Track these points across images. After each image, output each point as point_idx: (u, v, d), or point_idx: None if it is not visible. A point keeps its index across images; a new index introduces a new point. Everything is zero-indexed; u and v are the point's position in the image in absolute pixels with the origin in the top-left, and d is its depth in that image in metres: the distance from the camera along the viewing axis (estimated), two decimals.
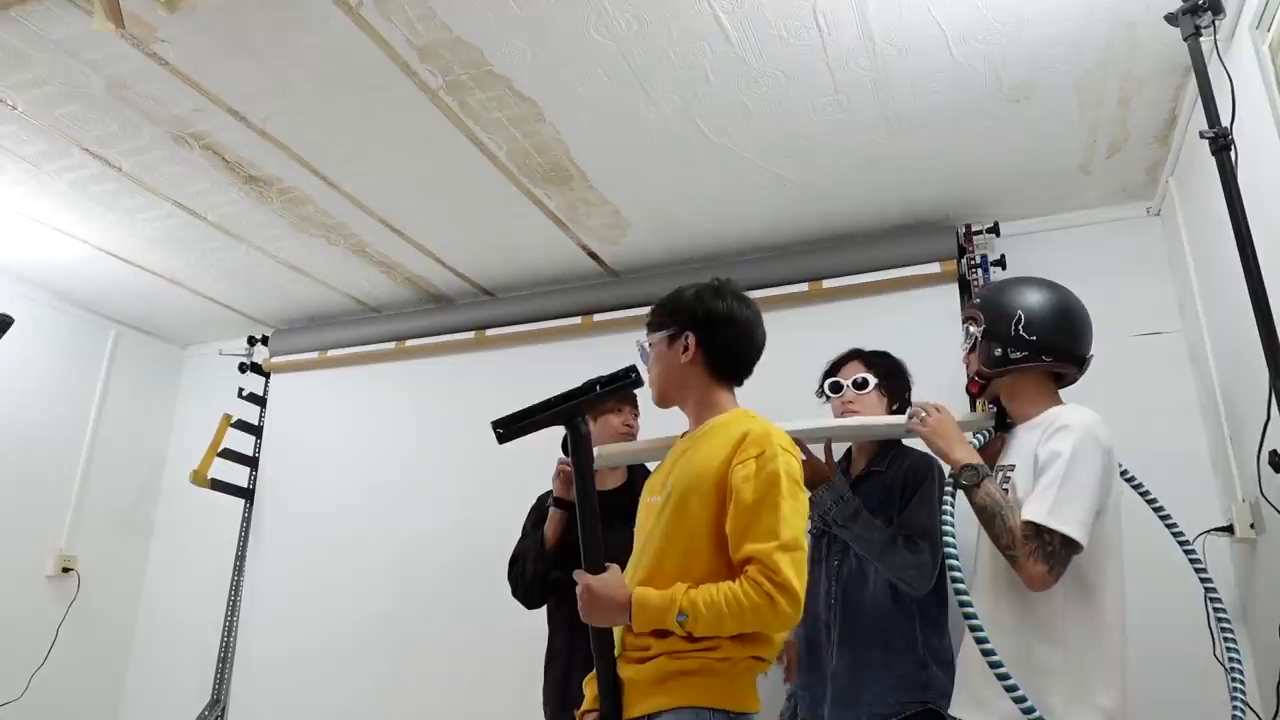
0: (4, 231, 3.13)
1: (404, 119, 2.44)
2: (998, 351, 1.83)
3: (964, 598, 1.61)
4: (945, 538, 1.69)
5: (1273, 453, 1.78)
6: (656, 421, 2.08)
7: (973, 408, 2.05)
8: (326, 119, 2.47)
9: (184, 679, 3.61)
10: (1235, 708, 1.78)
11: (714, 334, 1.73)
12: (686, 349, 1.72)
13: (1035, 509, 1.62)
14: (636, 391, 2.32)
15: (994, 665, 1.54)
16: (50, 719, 3.45)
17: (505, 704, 3.05)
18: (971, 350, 1.89)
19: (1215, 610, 1.92)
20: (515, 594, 2.42)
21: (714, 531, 1.58)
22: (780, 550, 1.49)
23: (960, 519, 1.73)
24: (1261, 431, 1.84)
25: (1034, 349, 1.80)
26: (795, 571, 1.49)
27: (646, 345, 1.79)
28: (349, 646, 3.38)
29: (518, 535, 3.16)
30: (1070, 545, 1.59)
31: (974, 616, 1.59)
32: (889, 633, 2.04)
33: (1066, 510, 1.60)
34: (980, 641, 1.56)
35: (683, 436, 1.80)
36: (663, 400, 1.79)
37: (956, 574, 1.64)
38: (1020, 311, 1.81)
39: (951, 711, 1.80)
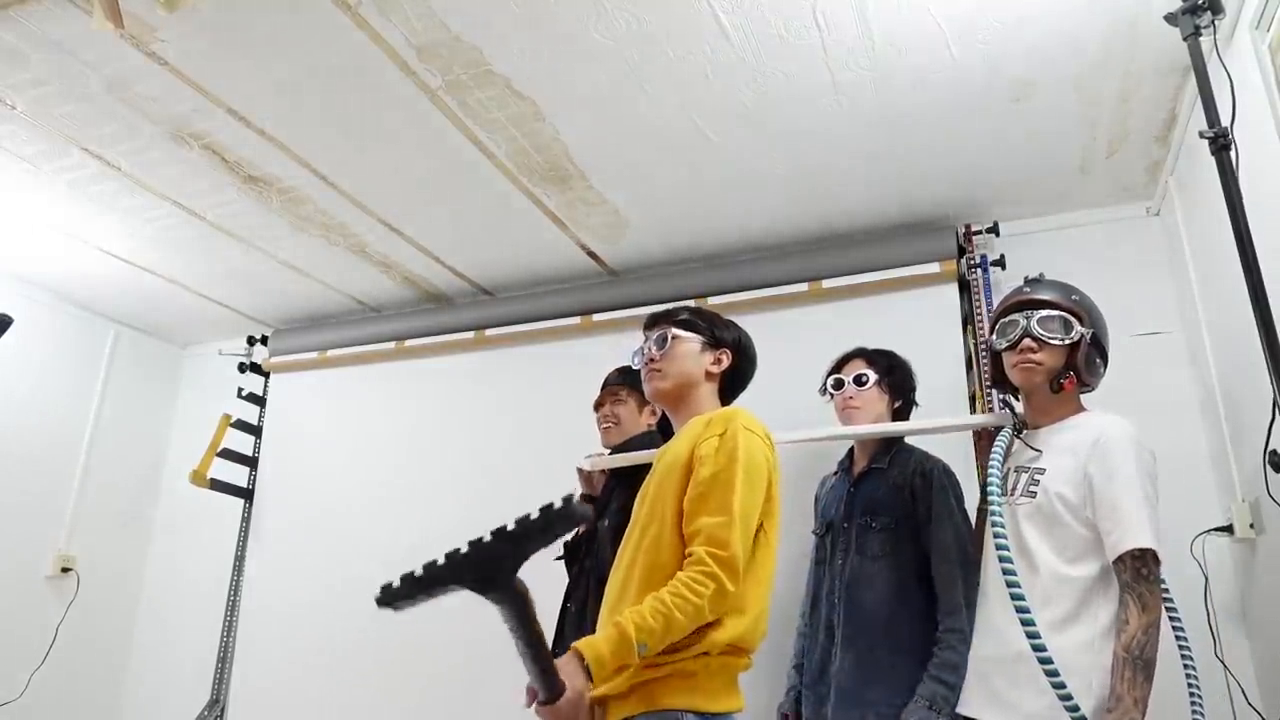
0: (4, 231, 3.13)
1: (404, 119, 2.44)
2: (1098, 360, 1.87)
3: (1017, 591, 1.61)
4: (998, 540, 1.68)
5: (1273, 452, 1.78)
6: None
7: (1009, 406, 2.01)
8: (326, 119, 2.46)
9: (184, 679, 3.61)
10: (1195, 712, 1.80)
11: (739, 361, 1.87)
12: (719, 361, 1.84)
13: (1144, 536, 1.62)
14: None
15: (1047, 668, 1.54)
16: (50, 719, 3.45)
17: (505, 704, 3.04)
18: (1066, 345, 1.83)
19: (1173, 625, 1.92)
20: None
21: (679, 511, 1.62)
22: (732, 525, 1.52)
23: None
24: (1268, 432, 1.84)
25: (1106, 365, 1.89)
26: (743, 548, 1.53)
27: (670, 335, 1.82)
28: (348, 646, 3.37)
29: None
30: (1158, 563, 1.64)
31: (1028, 613, 1.59)
32: (894, 633, 2.03)
33: (1156, 532, 1.64)
34: (1032, 637, 1.56)
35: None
36: (674, 392, 1.81)
37: (1008, 566, 1.64)
38: (1107, 329, 1.89)
39: (965, 711, 1.79)
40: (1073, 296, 1.87)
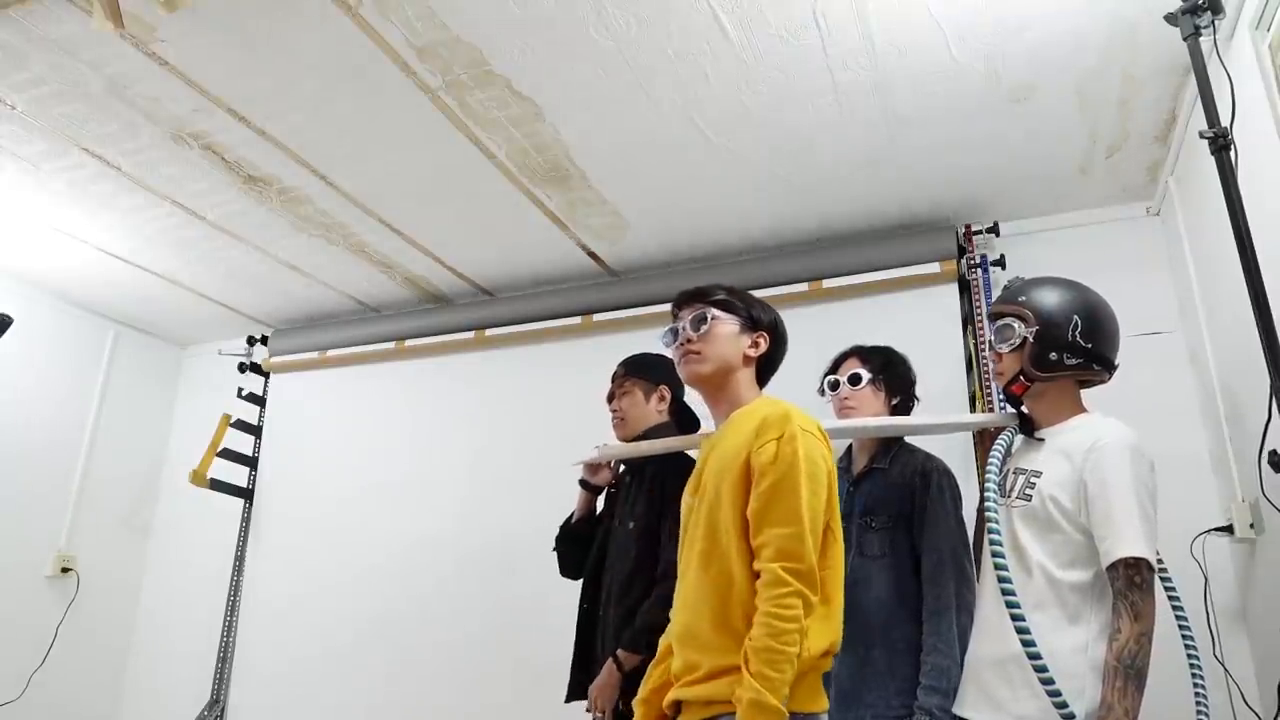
0: (3, 231, 3.13)
1: (404, 119, 2.44)
2: (1052, 355, 1.79)
3: (1011, 598, 1.61)
4: (993, 542, 1.68)
5: (1272, 452, 1.77)
6: None
7: (1015, 406, 1.96)
8: (326, 119, 2.46)
9: (184, 679, 3.61)
10: (1200, 712, 1.80)
11: (774, 346, 1.82)
12: (756, 344, 1.78)
13: (1136, 545, 1.60)
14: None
15: (1039, 670, 1.54)
16: (50, 719, 3.45)
17: (505, 702, 3.05)
18: (1016, 349, 1.81)
19: (1180, 625, 1.91)
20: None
21: (743, 521, 1.57)
22: (803, 536, 1.50)
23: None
24: (1263, 432, 1.84)
25: (1088, 356, 1.80)
26: (816, 555, 1.51)
27: (709, 315, 1.76)
28: (348, 646, 3.38)
29: (516, 534, 3.15)
30: (1152, 571, 1.62)
31: (1021, 619, 1.58)
32: (893, 634, 2.03)
33: (1150, 541, 1.62)
34: (1027, 645, 1.56)
35: (706, 438, 1.82)
36: (713, 376, 1.75)
37: (1004, 573, 1.63)
38: (1077, 316, 1.80)
39: (959, 711, 1.79)
40: (1020, 298, 1.85)
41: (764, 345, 1.79)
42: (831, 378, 2.33)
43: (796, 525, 1.50)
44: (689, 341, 1.76)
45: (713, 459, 1.68)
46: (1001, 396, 2.05)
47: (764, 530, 1.52)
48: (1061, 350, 1.79)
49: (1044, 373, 1.80)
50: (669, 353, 1.84)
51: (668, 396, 2.35)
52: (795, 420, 1.60)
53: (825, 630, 1.53)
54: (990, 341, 1.87)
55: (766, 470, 1.55)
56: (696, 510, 1.67)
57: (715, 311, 1.76)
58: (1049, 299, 1.83)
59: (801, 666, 1.47)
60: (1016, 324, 1.81)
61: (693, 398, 2.29)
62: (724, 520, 1.59)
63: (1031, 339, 1.79)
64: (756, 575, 1.53)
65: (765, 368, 1.82)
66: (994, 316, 1.89)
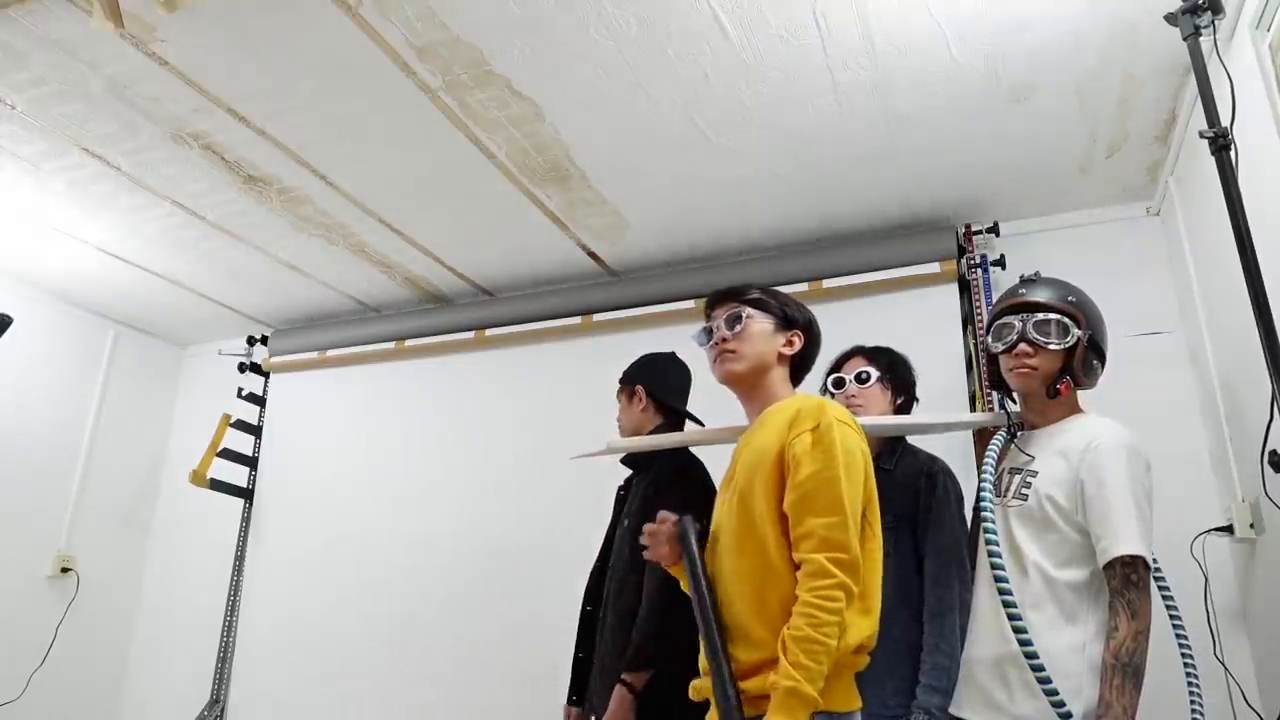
0: (3, 231, 3.13)
1: (404, 119, 2.44)
2: (1095, 362, 1.82)
3: (1008, 598, 1.61)
4: (989, 542, 1.67)
5: (1273, 452, 1.77)
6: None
7: (1046, 397, 1.92)
8: (326, 119, 2.46)
9: (184, 679, 3.61)
10: (1195, 713, 1.80)
11: (808, 344, 1.81)
12: (791, 343, 1.77)
13: (1133, 544, 1.59)
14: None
15: (1036, 670, 1.54)
16: (50, 719, 3.45)
17: (502, 704, 3.05)
18: (1065, 349, 1.78)
19: (1174, 625, 1.91)
20: None
21: (779, 511, 1.56)
22: (846, 525, 1.48)
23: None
24: (1264, 432, 1.84)
25: (1104, 364, 1.84)
26: (858, 544, 1.50)
27: (744, 314, 1.75)
28: (348, 646, 3.38)
29: (517, 534, 3.14)
30: (1149, 570, 1.62)
31: (1019, 618, 1.58)
32: (892, 633, 2.01)
33: (1146, 540, 1.62)
34: (1024, 645, 1.56)
35: (741, 434, 1.80)
36: (747, 375, 1.74)
37: (1000, 573, 1.63)
38: (1104, 327, 1.84)
39: (955, 712, 1.79)
40: (1069, 298, 1.82)
41: (798, 344, 1.77)
42: (836, 376, 2.32)
43: (840, 515, 1.48)
44: (724, 340, 1.74)
45: (745, 453, 1.67)
46: (1000, 395, 2.05)
47: (805, 520, 1.50)
48: (1100, 360, 1.83)
49: (1088, 378, 1.82)
50: (703, 352, 1.82)
51: (643, 395, 2.33)
52: (830, 412, 1.60)
53: (861, 624, 1.51)
54: (1024, 331, 1.80)
55: (803, 460, 1.53)
56: (730, 504, 1.66)
57: (750, 310, 1.75)
58: (1091, 305, 1.84)
59: (836, 660, 1.46)
60: (1072, 324, 1.79)
61: (708, 397, 2.29)
62: (758, 510, 1.57)
63: (1086, 343, 1.79)
64: (796, 566, 1.51)
65: (799, 366, 1.81)
66: (1030, 308, 1.83)
